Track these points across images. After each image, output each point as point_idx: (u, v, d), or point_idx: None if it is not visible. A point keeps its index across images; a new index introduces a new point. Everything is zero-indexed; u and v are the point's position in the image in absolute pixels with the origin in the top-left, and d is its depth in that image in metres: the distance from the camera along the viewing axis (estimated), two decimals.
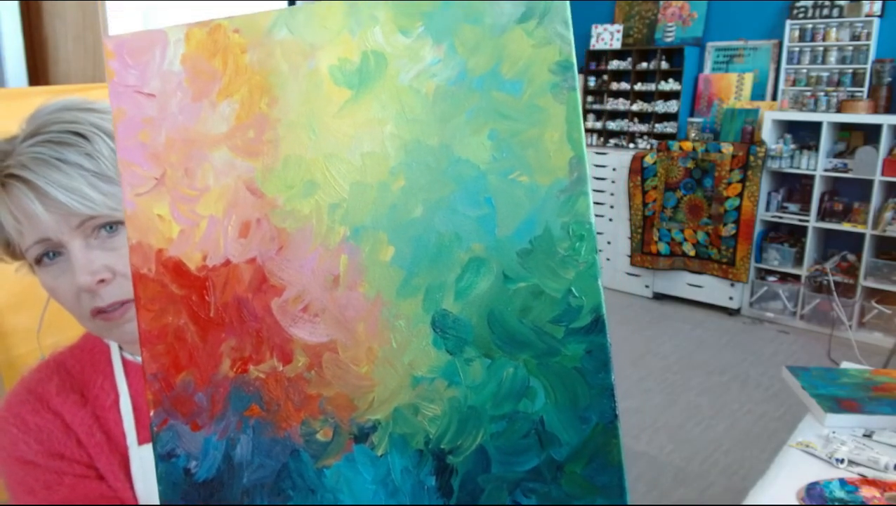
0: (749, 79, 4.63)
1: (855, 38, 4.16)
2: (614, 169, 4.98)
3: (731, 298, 4.56)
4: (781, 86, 4.46)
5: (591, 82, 5.27)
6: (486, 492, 0.45)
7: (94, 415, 0.76)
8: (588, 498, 0.45)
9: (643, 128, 5.03)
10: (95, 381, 0.79)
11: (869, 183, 3.96)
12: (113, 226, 0.68)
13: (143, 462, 0.75)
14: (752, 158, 4.27)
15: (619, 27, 5.12)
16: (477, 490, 0.45)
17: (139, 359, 0.79)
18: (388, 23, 0.46)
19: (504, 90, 0.45)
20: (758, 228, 4.40)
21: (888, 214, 3.90)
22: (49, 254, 0.69)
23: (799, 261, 4.34)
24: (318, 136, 0.47)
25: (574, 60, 0.45)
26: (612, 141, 5.23)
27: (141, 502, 0.75)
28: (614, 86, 5.14)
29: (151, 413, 0.48)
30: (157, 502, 0.49)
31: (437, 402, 0.46)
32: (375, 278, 0.46)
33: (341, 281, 0.47)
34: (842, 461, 1.28)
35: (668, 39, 5.01)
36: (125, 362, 0.79)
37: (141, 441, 0.76)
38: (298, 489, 0.47)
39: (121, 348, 0.80)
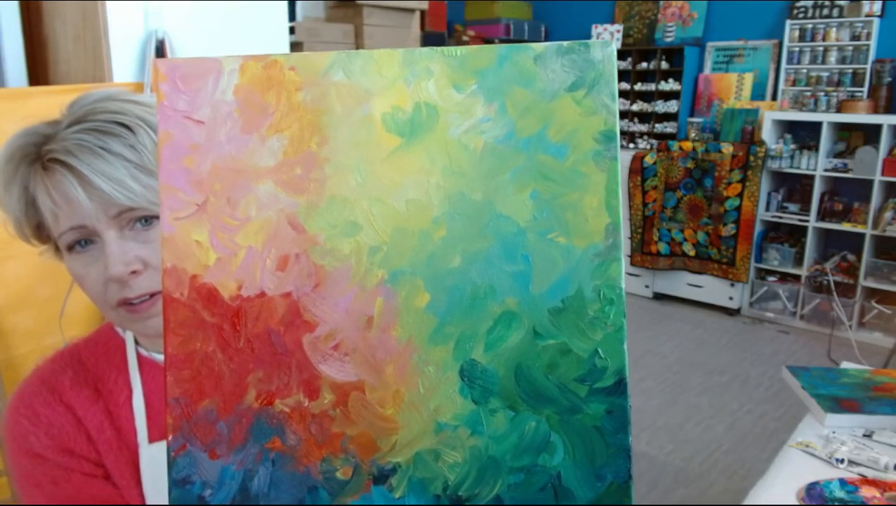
0: (749, 79, 4.63)
1: (855, 38, 4.16)
2: None
3: (731, 298, 4.56)
4: (781, 86, 4.46)
5: None
6: None
7: (106, 410, 0.76)
8: None
9: (643, 128, 5.03)
10: (110, 375, 0.78)
11: (869, 183, 3.96)
12: (148, 219, 0.68)
13: (152, 460, 0.75)
14: (752, 158, 4.27)
15: (619, 27, 5.12)
16: None
17: (154, 355, 0.79)
18: (442, 77, 0.47)
19: (549, 153, 0.47)
20: (758, 228, 4.40)
21: (888, 214, 3.90)
22: (81, 242, 0.69)
23: (799, 261, 4.34)
24: (364, 179, 0.48)
25: (617, 131, 0.48)
26: None
27: (148, 502, 0.74)
28: None
29: (170, 437, 0.48)
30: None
31: (459, 449, 0.47)
32: (409, 323, 0.47)
33: (375, 323, 0.48)
34: (842, 461, 1.28)
35: (668, 39, 5.01)
36: (140, 358, 0.79)
37: (151, 439, 0.75)
38: None
39: (136, 344, 0.79)
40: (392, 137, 0.48)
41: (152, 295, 0.69)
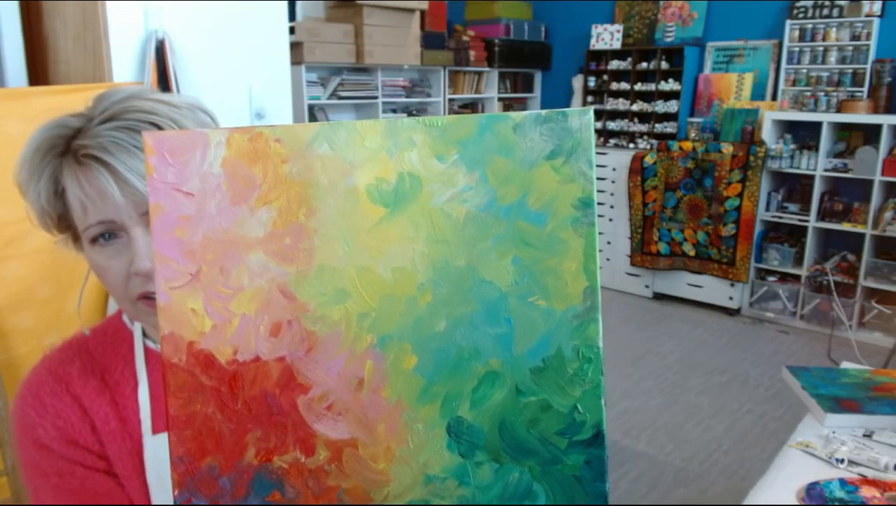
0: (749, 79, 4.62)
1: (855, 38, 4.16)
2: (614, 169, 4.98)
3: (731, 298, 4.56)
4: (781, 86, 4.46)
5: (591, 82, 5.27)
6: None
7: (112, 401, 0.77)
8: None
9: (643, 128, 5.03)
10: (116, 366, 0.79)
11: (869, 183, 3.96)
12: None
13: (156, 451, 0.75)
14: (752, 158, 4.27)
15: (619, 27, 5.12)
16: None
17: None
18: (424, 147, 0.49)
19: (529, 220, 0.49)
20: (758, 228, 4.40)
21: (888, 214, 3.90)
22: (105, 235, 0.70)
23: (799, 261, 4.34)
24: (351, 249, 0.50)
25: (594, 198, 0.50)
26: (612, 141, 5.23)
27: (151, 492, 0.75)
28: (614, 86, 5.14)
29: (175, 492, 0.51)
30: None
31: (448, 499, 0.50)
32: (398, 384, 0.50)
33: (365, 385, 0.50)
34: (842, 461, 1.28)
35: (668, 39, 5.01)
36: (147, 350, 0.80)
37: (155, 430, 0.76)
38: None
39: (144, 336, 0.80)
40: (377, 207, 0.50)
41: None
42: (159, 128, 0.68)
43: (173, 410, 0.51)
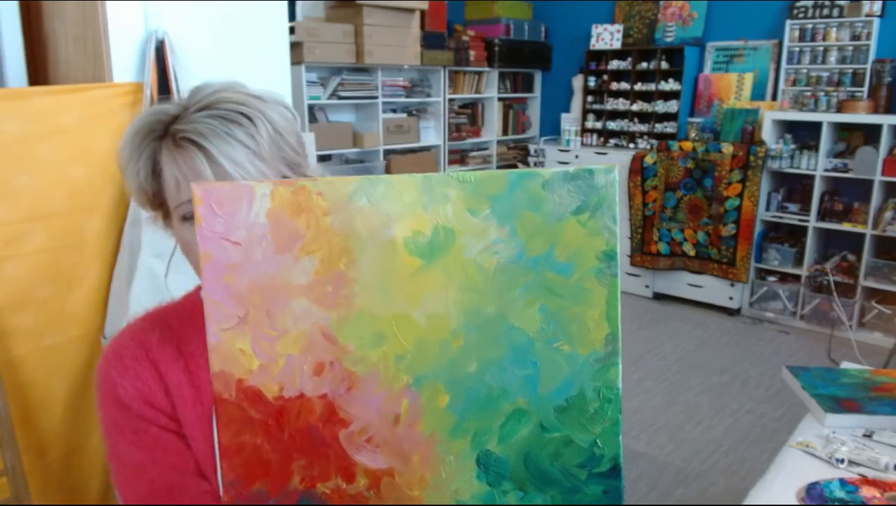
0: (749, 79, 4.62)
1: (855, 38, 4.16)
2: None
3: (731, 298, 4.56)
4: (781, 86, 4.46)
5: (591, 82, 5.27)
6: None
7: (186, 369, 0.83)
8: None
9: (643, 128, 5.03)
10: (192, 337, 0.85)
11: (869, 183, 3.96)
12: None
13: None
14: (752, 158, 4.27)
15: (619, 27, 5.12)
16: None
17: None
18: (458, 201, 0.53)
19: (556, 271, 0.53)
20: (758, 228, 4.39)
21: (888, 214, 3.90)
22: (192, 214, 0.74)
23: (799, 261, 4.34)
24: (389, 296, 0.54)
25: (618, 250, 0.54)
26: (612, 141, 5.22)
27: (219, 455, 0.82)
28: (614, 86, 5.14)
29: None
30: None
31: None
32: (431, 420, 0.55)
33: (402, 420, 0.55)
34: (842, 461, 1.28)
35: (669, 39, 5.01)
36: None
37: None
38: None
39: None
40: (413, 258, 0.54)
41: None
42: (249, 119, 0.75)
43: (224, 440, 0.55)
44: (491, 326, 0.54)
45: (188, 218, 0.76)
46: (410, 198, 0.53)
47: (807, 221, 4.24)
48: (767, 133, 4.31)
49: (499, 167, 5.71)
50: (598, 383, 0.54)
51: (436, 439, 0.55)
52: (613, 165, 0.55)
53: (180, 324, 0.86)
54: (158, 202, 0.80)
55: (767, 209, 4.42)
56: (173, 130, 0.75)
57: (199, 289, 0.88)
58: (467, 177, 0.53)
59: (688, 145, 4.53)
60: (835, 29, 4.22)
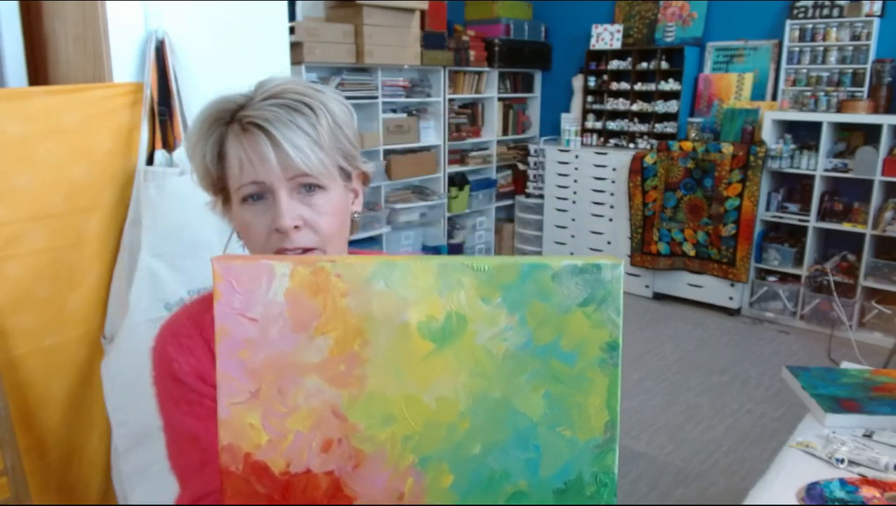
0: (749, 79, 4.62)
1: (855, 38, 4.16)
2: (614, 169, 4.97)
3: (731, 298, 4.56)
4: (781, 86, 4.46)
5: (591, 82, 5.27)
6: None
7: None
8: None
9: (643, 128, 5.03)
10: None
11: (869, 183, 3.96)
12: (312, 187, 0.82)
13: None
14: (752, 158, 4.27)
15: (619, 27, 5.12)
16: None
17: None
18: (471, 289, 0.55)
19: (561, 359, 0.55)
20: (758, 228, 4.39)
21: (888, 214, 3.90)
22: (254, 196, 0.81)
23: (799, 261, 4.34)
24: (400, 378, 0.55)
25: (620, 342, 0.55)
26: (612, 141, 5.22)
27: None
28: (614, 86, 5.14)
29: None
30: None
31: None
32: (435, 499, 0.56)
33: (406, 498, 0.56)
34: (842, 461, 1.28)
35: (669, 39, 5.01)
36: None
37: None
38: None
39: None
40: (426, 342, 0.55)
41: (305, 250, 0.81)
42: (311, 109, 0.80)
43: None
44: (497, 411, 0.56)
45: (247, 200, 0.81)
46: (426, 284, 0.55)
47: (807, 221, 4.24)
48: (767, 133, 4.31)
49: (499, 167, 5.71)
50: (596, 468, 0.57)
51: None
52: (620, 261, 0.56)
53: None
54: (220, 186, 0.85)
55: (767, 209, 4.42)
56: (240, 116, 0.80)
57: None
58: (481, 265, 0.55)
59: (688, 145, 4.53)
60: (835, 29, 4.22)
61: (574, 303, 0.55)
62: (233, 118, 0.81)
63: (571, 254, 5.34)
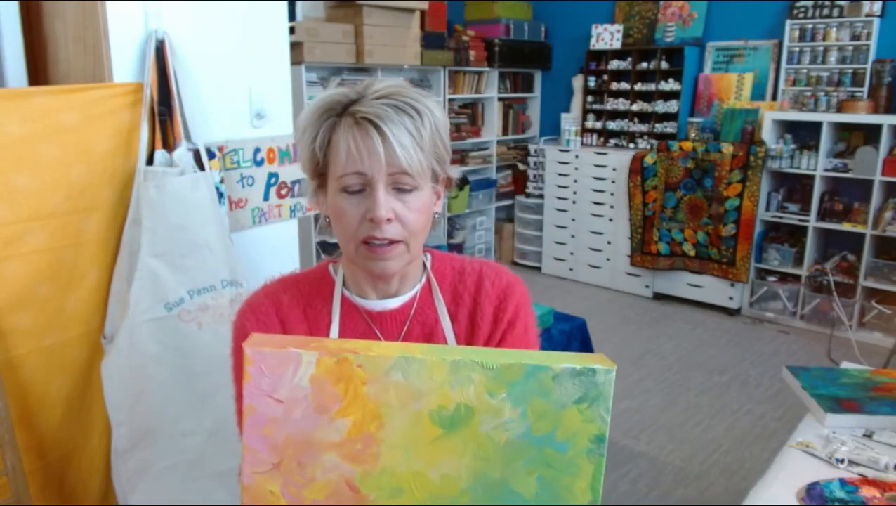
0: (749, 79, 4.62)
1: (855, 38, 4.16)
2: (614, 169, 4.97)
3: (731, 298, 4.56)
4: (781, 86, 4.46)
5: (591, 82, 5.27)
6: None
7: (308, 330, 0.95)
8: None
9: (643, 128, 5.03)
10: (317, 304, 0.97)
11: (869, 183, 3.96)
12: (406, 184, 0.87)
13: None
14: (752, 158, 4.27)
15: (619, 27, 5.12)
16: None
17: (355, 298, 0.98)
18: (480, 384, 0.61)
19: (554, 448, 0.62)
20: (758, 228, 4.40)
21: (888, 214, 3.90)
22: (352, 185, 0.87)
23: (799, 261, 4.34)
24: (410, 457, 0.62)
25: (607, 435, 0.62)
26: (612, 141, 5.22)
27: None
28: (614, 86, 5.14)
29: None
30: None
31: None
32: None
33: None
34: (842, 461, 1.28)
35: (668, 39, 5.01)
36: (343, 297, 0.98)
37: None
38: None
39: (344, 287, 0.98)
40: (435, 428, 0.62)
41: (391, 242, 0.87)
42: (418, 112, 0.86)
43: None
44: (495, 489, 0.63)
45: (345, 189, 0.87)
46: (440, 378, 0.61)
47: (807, 221, 4.24)
48: (767, 133, 4.31)
49: (499, 167, 5.71)
50: None
51: None
52: (613, 366, 0.62)
53: (309, 290, 0.98)
54: (320, 172, 0.91)
55: (767, 209, 4.42)
56: (353, 111, 0.86)
57: (329, 261, 1.02)
58: (491, 364, 0.61)
59: (688, 145, 4.53)
60: (835, 29, 4.22)
61: (570, 400, 0.62)
62: (344, 111, 0.87)
63: (571, 255, 5.33)
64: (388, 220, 0.86)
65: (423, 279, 1.00)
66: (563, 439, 0.62)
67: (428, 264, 1.01)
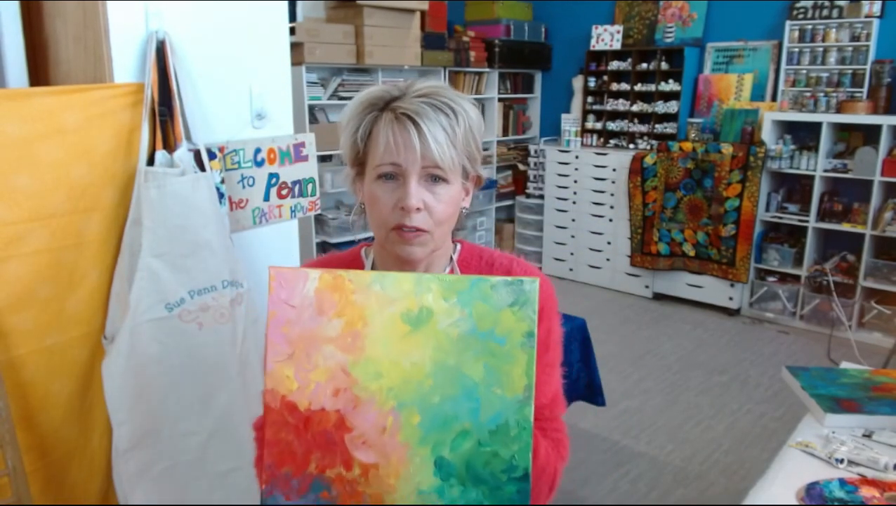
0: (749, 79, 4.63)
1: (855, 38, 4.16)
2: (614, 169, 4.98)
3: (730, 299, 4.57)
4: (781, 86, 4.46)
5: (592, 83, 5.27)
6: None
7: None
8: None
9: (643, 128, 5.03)
10: None
11: (868, 183, 3.96)
12: (437, 178, 0.94)
13: None
14: (751, 158, 4.27)
15: (618, 28, 5.12)
16: None
17: None
18: (437, 292, 0.80)
19: (495, 341, 0.79)
20: (758, 228, 4.40)
21: (888, 215, 3.90)
22: (388, 175, 0.94)
23: (799, 261, 4.34)
24: (387, 349, 0.80)
25: (535, 331, 0.79)
26: (612, 141, 5.23)
27: None
28: (614, 86, 5.14)
29: (263, 486, 0.82)
30: None
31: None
32: (407, 433, 0.80)
33: (387, 431, 0.80)
34: (841, 461, 1.28)
35: (668, 40, 5.01)
36: None
37: None
38: None
39: (373, 269, 1.05)
40: (405, 326, 0.80)
41: (418, 230, 0.94)
42: (453, 112, 0.93)
43: (269, 436, 0.81)
44: (451, 374, 0.79)
45: (381, 177, 0.94)
46: (407, 288, 0.80)
47: (806, 221, 4.24)
48: (767, 134, 4.31)
49: (499, 167, 5.72)
50: (518, 416, 0.78)
51: (408, 446, 0.80)
52: (537, 279, 0.79)
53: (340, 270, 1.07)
54: (359, 160, 0.98)
55: (767, 210, 4.43)
56: (394, 106, 0.93)
57: (362, 245, 1.10)
58: (445, 278, 0.80)
59: (688, 146, 4.54)
60: (834, 30, 4.22)
61: (505, 304, 0.79)
62: (386, 106, 0.94)
63: (571, 255, 5.33)
64: (418, 209, 0.93)
65: (448, 269, 1.06)
66: (501, 335, 0.78)
67: (454, 256, 1.07)
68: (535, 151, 5.55)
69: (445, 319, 0.79)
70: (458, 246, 1.08)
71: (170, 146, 1.60)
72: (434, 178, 0.94)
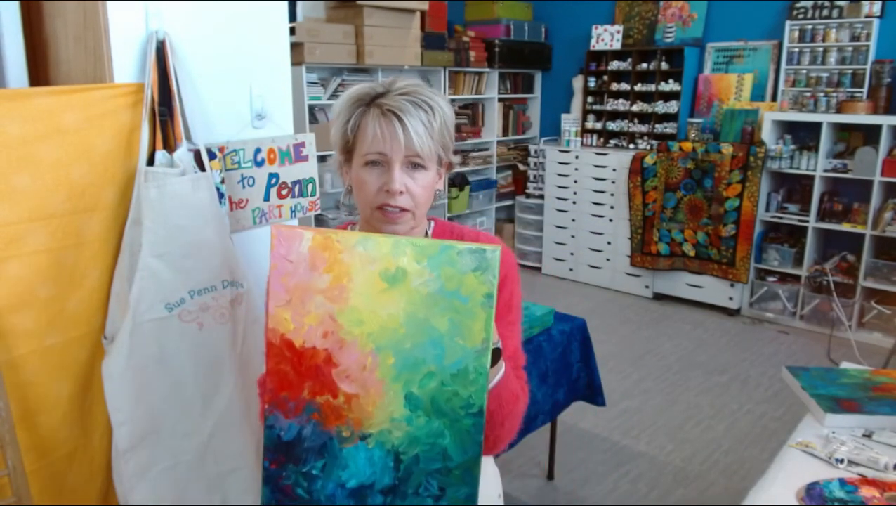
0: (749, 79, 4.63)
1: (855, 38, 4.16)
2: (614, 169, 4.98)
3: (730, 299, 4.57)
4: (781, 86, 4.46)
5: (592, 83, 5.27)
6: (414, 474, 0.94)
7: None
8: (456, 487, 0.94)
9: (643, 128, 5.03)
10: None
11: (868, 183, 3.96)
12: (417, 165, 1.08)
13: None
14: (751, 158, 4.27)
15: (619, 28, 5.12)
16: (410, 473, 0.94)
17: None
18: (410, 255, 0.91)
19: (459, 300, 0.90)
20: (758, 228, 4.40)
21: (888, 215, 3.90)
22: (374, 162, 1.08)
23: (799, 261, 4.34)
24: (368, 300, 0.92)
25: (495, 293, 0.89)
26: (612, 141, 5.23)
27: None
28: (614, 86, 5.14)
29: (266, 407, 0.96)
30: None
31: (401, 430, 0.94)
32: (383, 371, 0.93)
33: (367, 368, 0.94)
34: (841, 461, 1.28)
35: (668, 40, 5.01)
36: None
37: None
38: (328, 454, 0.96)
39: None
40: (383, 283, 0.92)
41: (401, 210, 1.09)
42: (431, 108, 1.07)
43: (270, 366, 0.94)
44: (421, 324, 0.91)
45: (368, 164, 1.08)
46: (386, 250, 0.91)
47: (806, 221, 4.24)
48: (767, 134, 4.31)
49: (499, 168, 5.72)
50: (476, 363, 0.90)
51: (384, 381, 0.93)
52: (498, 247, 0.90)
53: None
54: (348, 149, 1.11)
55: (767, 210, 4.43)
56: (380, 102, 1.07)
57: (348, 223, 1.24)
58: (418, 242, 0.91)
59: (688, 146, 4.54)
60: (834, 30, 4.22)
61: (469, 269, 0.89)
62: (372, 101, 1.08)
63: (571, 255, 5.33)
64: (401, 192, 1.07)
65: None
66: (465, 295, 0.89)
67: (429, 231, 1.21)
68: (535, 151, 5.55)
69: (417, 278, 0.90)
70: (433, 223, 1.23)
71: (170, 146, 1.60)
72: (414, 165, 1.08)
